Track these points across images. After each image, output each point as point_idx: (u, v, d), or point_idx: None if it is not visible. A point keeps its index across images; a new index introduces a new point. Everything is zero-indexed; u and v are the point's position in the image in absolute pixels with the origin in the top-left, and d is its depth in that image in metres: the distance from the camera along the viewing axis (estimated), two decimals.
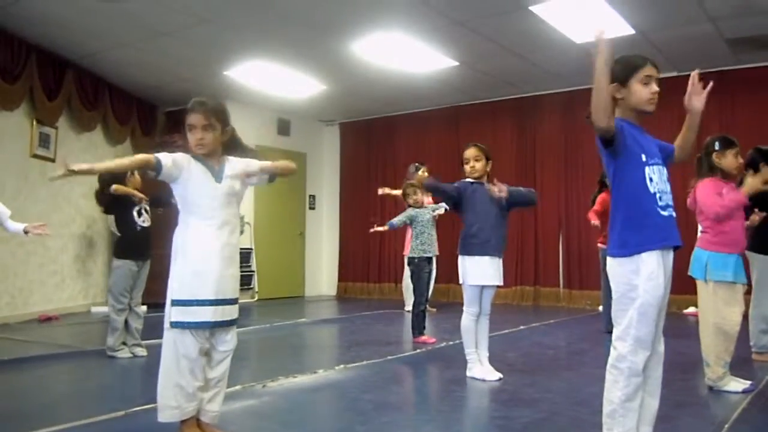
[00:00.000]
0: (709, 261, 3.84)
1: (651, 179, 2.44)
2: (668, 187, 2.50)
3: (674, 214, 2.49)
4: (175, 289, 2.63)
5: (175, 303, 2.61)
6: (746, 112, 7.82)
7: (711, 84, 2.50)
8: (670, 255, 2.48)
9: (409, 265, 5.99)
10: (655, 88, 2.48)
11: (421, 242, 5.83)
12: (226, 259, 2.71)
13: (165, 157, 2.65)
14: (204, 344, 2.66)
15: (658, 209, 2.44)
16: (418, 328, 5.82)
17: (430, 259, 5.92)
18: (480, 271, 4.15)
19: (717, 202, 3.77)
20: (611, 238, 2.50)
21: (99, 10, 6.25)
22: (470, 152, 4.29)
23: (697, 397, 3.75)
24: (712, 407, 3.60)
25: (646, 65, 2.48)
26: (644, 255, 2.39)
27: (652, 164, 2.46)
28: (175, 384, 2.60)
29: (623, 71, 2.48)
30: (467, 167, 4.28)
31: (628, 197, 2.45)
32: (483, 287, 4.20)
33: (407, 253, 6.12)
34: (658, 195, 2.44)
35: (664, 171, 2.51)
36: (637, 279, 2.40)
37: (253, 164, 2.93)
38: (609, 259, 2.51)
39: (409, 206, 5.95)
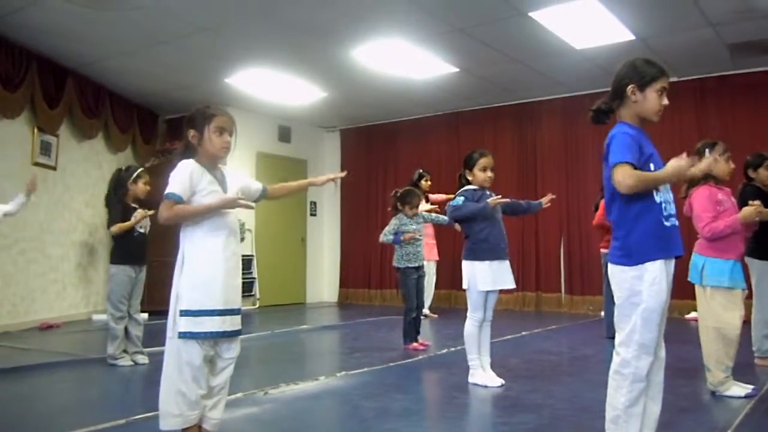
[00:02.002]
0: (705, 266, 3.85)
1: (657, 190, 2.45)
2: (671, 196, 2.51)
3: (677, 223, 2.50)
4: (183, 299, 2.61)
5: (184, 313, 2.59)
6: (747, 116, 7.81)
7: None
8: (672, 262, 2.49)
9: (396, 272, 5.96)
10: (665, 101, 2.50)
11: (405, 252, 5.78)
12: (232, 269, 2.72)
13: (181, 191, 2.63)
14: (209, 352, 2.65)
15: (663, 219, 2.44)
16: (410, 335, 5.80)
17: (417, 267, 5.87)
18: (491, 276, 4.15)
19: (710, 224, 3.77)
20: (614, 245, 2.50)
21: (99, 19, 6.27)
22: (490, 161, 4.30)
23: (700, 403, 3.74)
24: (715, 412, 3.59)
25: (663, 77, 2.50)
26: (647, 264, 2.40)
27: None
28: (178, 391, 2.59)
29: (645, 77, 2.48)
30: (484, 175, 4.27)
31: (635, 207, 2.44)
32: (488, 292, 4.20)
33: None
34: (663, 205, 2.45)
35: None
36: (641, 285, 2.40)
37: (251, 184, 3.00)
38: (611, 266, 2.51)
39: (399, 212, 5.89)
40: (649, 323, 2.40)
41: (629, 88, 2.50)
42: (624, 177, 2.34)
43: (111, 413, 3.41)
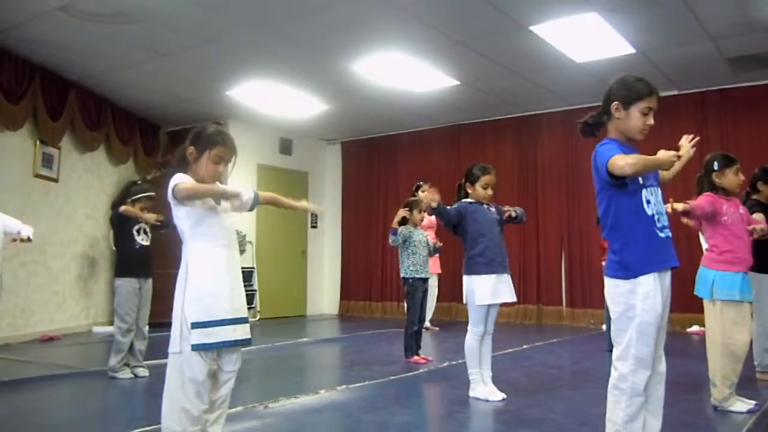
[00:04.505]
0: (715, 280, 3.79)
1: (648, 201, 2.46)
2: (664, 208, 2.52)
3: (670, 234, 2.51)
4: (191, 312, 2.60)
5: (195, 325, 2.58)
6: (747, 130, 7.84)
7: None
8: (668, 275, 2.49)
9: (404, 285, 5.94)
10: (651, 121, 2.50)
11: (413, 263, 5.77)
12: (235, 277, 2.73)
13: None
14: (212, 366, 2.64)
15: (657, 231, 2.45)
16: (410, 349, 5.77)
17: (425, 279, 5.87)
18: (489, 290, 4.13)
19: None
20: (611, 259, 2.51)
21: (101, 32, 6.31)
22: (492, 179, 4.29)
23: (702, 418, 3.72)
24: (717, 428, 3.57)
25: (651, 96, 2.49)
26: (641, 278, 2.40)
27: (649, 186, 2.48)
28: (181, 408, 2.58)
29: (629, 95, 2.49)
30: (485, 192, 4.26)
31: (627, 220, 2.46)
32: (489, 306, 4.19)
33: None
34: (656, 217, 2.46)
35: (659, 192, 2.53)
36: (635, 299, 2.41)
37: (243, 194, 2.96)
38: (606, 280, 2.52)
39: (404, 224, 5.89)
40: (644, 337, 2.40)
41: (613, 104, 2.52)
42: (623, 160, 2.35)
43: (112, 427, 3.40)
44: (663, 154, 2.41)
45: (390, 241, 5.89)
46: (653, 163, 2.40)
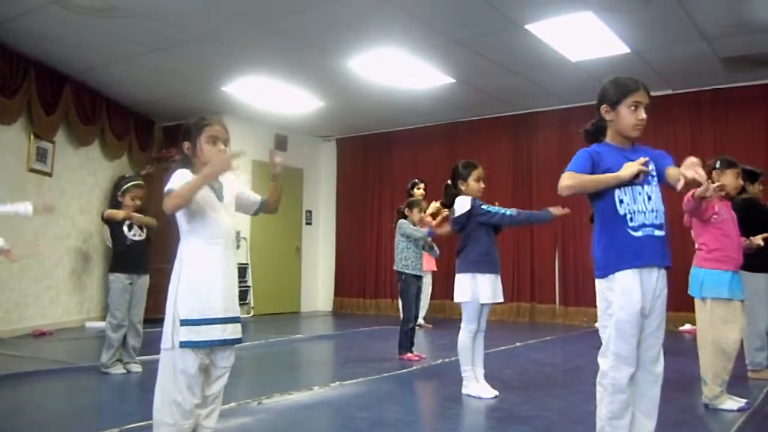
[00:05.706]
0: (704, 278, 3.85)
1: (621, 201, 2.47)
2: (646, 207, 2.48)
3: (655, 233, 2.47)
4: (183, 308, 2.59)
5: (184, 323, 2.58)
6: (740, 130, 7.87)
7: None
8: (653, 273, 2.48)
9: (398, 280, 5.94)
10: (642, 114, 2.50)
11: (405, 257, 5.78)
12: (230, 277, 2.73)
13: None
14: (204, 360, 2.64)
15: (628, 230, 2.45)
16: (405, 346, 5.78)
17: (418, 276, 5.87)
18: (491, 289, 4.17)
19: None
20: (593, 258, 2.56)
21: (97, 27, 6.29)
22: (482, 172, 4.32)
23: (693, 416, 3.75)
24: (708, 426, 3.60)
25: (637, 91, 2.50)
26: (618, 274, 2.43)
27: (623, 186, 2.47)
28: (172, 401, 2.58)
29: (615, 94, 2.52)
30: (479, 185, 4.29)
31: (602, 219, 2.52)
32: (482, 305, 4.20)
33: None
34: (628, 216, 2.46)
35: (643, 191, 2.49)
36: (612, 296, 2.44)
37: (249, 195, 3.03)
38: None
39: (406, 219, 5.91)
40: (622, 334, 2.41)
41: (602, 108, 2.55)
42: (562, 179, 2.44)
43: (104, 422, 3.39)
44: (625, 171, 2.42)
45: (419, 234, 5.80)
46: (609, 180, 2.43)
